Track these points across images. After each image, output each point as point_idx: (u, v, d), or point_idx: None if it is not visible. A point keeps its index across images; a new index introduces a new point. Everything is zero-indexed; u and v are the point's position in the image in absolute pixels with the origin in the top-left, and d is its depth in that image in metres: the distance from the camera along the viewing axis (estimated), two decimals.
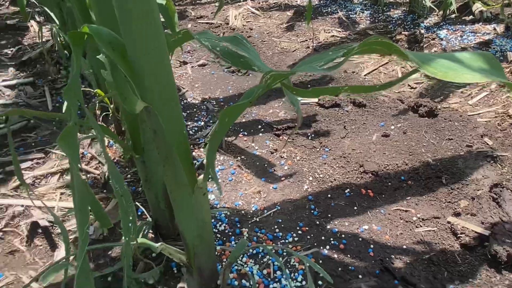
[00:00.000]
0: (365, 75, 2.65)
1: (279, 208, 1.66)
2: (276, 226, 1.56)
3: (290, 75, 0.82)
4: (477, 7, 3.19)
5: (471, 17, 3.19)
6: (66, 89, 0.79)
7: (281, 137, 2.14)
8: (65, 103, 1.96)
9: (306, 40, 3.30)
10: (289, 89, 0.90)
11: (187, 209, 1.07)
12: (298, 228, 1.55)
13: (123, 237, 1.46)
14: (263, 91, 0.88)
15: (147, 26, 0.82)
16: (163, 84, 0.91)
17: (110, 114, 1.96)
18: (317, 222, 1.58)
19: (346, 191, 1.73)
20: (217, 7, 2.87)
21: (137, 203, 1.58)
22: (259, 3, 4.17)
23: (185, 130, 0.98)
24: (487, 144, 1.88)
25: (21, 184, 0.91)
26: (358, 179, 1.79)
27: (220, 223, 1.57)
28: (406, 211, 1.61)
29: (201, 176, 1.05)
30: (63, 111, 1.93)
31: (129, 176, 1.81)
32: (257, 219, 1.60)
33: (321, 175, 1.83)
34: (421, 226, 1.53)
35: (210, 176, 1.00)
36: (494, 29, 2.95)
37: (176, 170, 1.01)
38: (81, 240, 0.78)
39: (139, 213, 1.58)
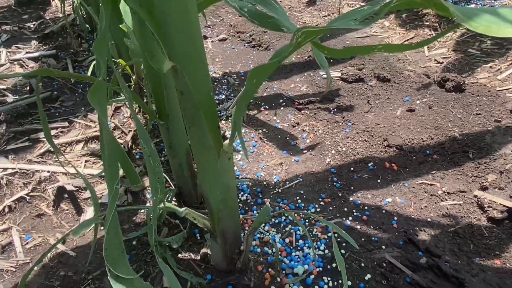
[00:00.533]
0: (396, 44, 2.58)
1: (301, 180, 1.65)
2: (298, 197, 1.55)
3: (324, 31, 0.79)
4: None
5: None
6: (95, 44, 0.78)
7: (302, 111, 2.12)
8: (89, 72, 1.97)
9: (329, 15, 3.23)
10: (319, 48, 0.88)
11: (212, 173, 1.06)
12: (320, 199, 1.54)
13: (147, 203, 1.48)
14: (294, 50, 0.86)
15: None
16: (190, 43, 0.89)
17: (133, 86, 1.96)
18: (340, 194, 1.57)
19: (369, 164, 1.71)
20: None
21: None
22: None
23: (212, 92, 0.97)
24: None
25: (50, 145, 0.91)
26: (382, 153, 1.76)
27: (242, 193, 1.57)
28: (431, 184, 1.58)
29: (227, 141, 1.04)
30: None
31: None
32: (279, 190, 1.60)
33: (343, 149, 1.81)
34: (446, 200, 1.50)
35: (232, 146, 0.99)
36: None
37: (202, 132, 1.00)
38: (111, 196, 0.78)
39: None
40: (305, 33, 0.81)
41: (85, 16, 2.86)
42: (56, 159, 1.71)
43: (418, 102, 2.06)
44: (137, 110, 2.08)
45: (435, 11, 0.74)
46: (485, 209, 1.40)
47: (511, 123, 1.79)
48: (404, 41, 2.63)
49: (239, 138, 0.98)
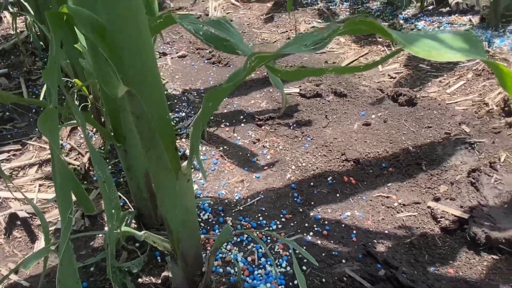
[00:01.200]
0: (345, 66, 2.67)
1: (262, 196, 1.66)
2: (259, 214, 1.56)
3: (275, 56, 0.81)
4: None
5: (447, 8, 3.24)
6: (45, 71, 0.76)
7: (263, 127, 2.14)
8: (42, 92, 1.91)
9: (287, 31, 3.30)
10: (273, 71, 0.90)
11: (171, 195, 1.05)
12: (281, 215, 1.56)
13: (106, 227, 1.44)
14: (248, 74, 0.88)
15: (127, 5, 0.80)
16: (145, 67, 0.89)
17: (89, 105, 1.92)
18: (300, 210, 1.59)
19: (328, 179, 1.74)
20: None
21: (119, 193, 1.56)
22: None
23: (169, 115, 0.97)
24: (465, 131, 1.92)
25: None
26: (340, 167, 1.81)
27: (203, 212, 1.56)
28: (387, 197, 1.63)
29: (185, 162, 1.04)
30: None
31: (109, 167, 1.78)
32: (241, 208, 1.60)
33: (303, 164, 1.84)
34: (402, 212, 1.55)
35: (193, 165, 0.99)
36: (470, 20, 3.01)
37: (159, 155, 0.99)
38: (64, 226, 0.76)
39: (121, 203, 1.55)
40: (258, 58, 0.83)
41: (38, 33, 2.78)
42: (7, 185, 1.63)
43: (373, 116, 2.13)
44: (95, 129, 2.03)
45: (381, 36, 0.78)
46: (438, 219, 1.46)
47: (460, 135, 1.89)
48: (359, 57, 2.73)
49: (197, 159, 0.99)
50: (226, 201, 1.64)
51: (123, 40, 0.84)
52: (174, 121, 2.19)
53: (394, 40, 0.75)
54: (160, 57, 3.04)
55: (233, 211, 1.59)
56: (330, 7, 3.60)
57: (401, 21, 3.02)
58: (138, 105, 0.92)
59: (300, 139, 2.03)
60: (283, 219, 1.54)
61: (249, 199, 1.64)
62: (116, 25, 0.82)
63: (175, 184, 1.04)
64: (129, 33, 0.84)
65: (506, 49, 2.57)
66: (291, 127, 2.11)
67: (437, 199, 1.56)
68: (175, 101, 2.41)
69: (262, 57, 0.82)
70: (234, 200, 1.64)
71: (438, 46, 0.75)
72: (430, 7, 3.31)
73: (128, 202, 1.49)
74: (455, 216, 1.45)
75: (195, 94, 2.49)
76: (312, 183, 1.73)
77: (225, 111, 2.30)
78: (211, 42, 1.05)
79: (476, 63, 2.41)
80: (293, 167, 1.83)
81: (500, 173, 1.62)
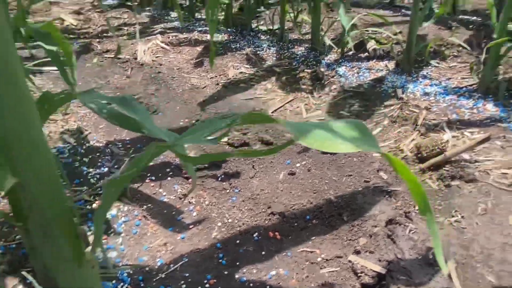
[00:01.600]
0: (272, 112, 2.73)
1: (186, 260, 1.61)
2: (183, 282, 1.50)
3: (172, 147, 0.80)
4: (371, 45, 3.47)
5: (366, 54, 3.45)
6: None
7: (190, 180, 2.10)
8: None
9: (216, 76, 3.33)
10: (181, 157, 0.88)
11: (73, 284, 0.98)
12: (205, 281, 1.51)
13: None
14: (150, 160, 0.85)
15: (12, 96, 0.75)
16: (37, 156, 0.84)
17: None
18: (226, 272, 1.56)
19: (254, 235, 1.73)
20: (119, 46, 2.80)
21: (24, 272, 1.43)
22: (169, 37, 4.14)
23: (67, 201, 0.91)
24: (383, 178, 2.01)
25: None
26: (266, 221, 1.80)
27: (122, 284, 1.48)
28: (311, 252, 1.64)
29: (89, 248, 0.98)
30: None
31: (18, 236, 1.64)
32: (163, 275, 1.53)
33: (230, 220, 1.82)
34: (325, 267, 1.57)
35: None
36: (386, 65, 3.22)
37: (58, 245, 0.93)
38: None
39: (28, 281, 1.43)
40: (158, 148, 0.81)
41: None
42: None
43: (298, 165, 2.17)
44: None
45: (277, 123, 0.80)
46: (359, 274, 1.49)
47: (378, 183, 1.97)
48: (285, 103, 2.80)
49: (100, 249, 0.93)
50: (148, 268, 1.56)
51: (10, 129, 0.78)
52: (95, 178, 2.08)
53: (288, 131, 0.77)
54: (84, 104, 2.92)
55: (154, 280, 1.51)
56: (258, 52, 3.70)
57: (323, 69, 3.16)
58: (31, 197, 0.86)
59: (228, 191, 2.01)
60: (207, 285, 1.50)
61: (172, 265, 1.58)
62: (2, 116, 0.77)
63: (78, 271, 0.97)
64: (17, 121, 0.78)
65: (419, 94, 2.76)
66: (219, 179, 2.09)
67: (357, 252, 1.59)
68: (98, 154, 2.31)
69: (161, 147, 0.81)
70: (156, 267, 1.57)
71: (331, 137, 0.77)
72: (350, 53, 3.50)
73: (34, 282, 1.37)
74: (374, 271, 1.48)
75: (120, 146, 2.41)
76: (238, 241, 1.71)
77: (151, 163, 2.23)
78: (116, 120, 1.02)
79: (391, 110, 2.56)
80: (219, 224, 1.80)
81: (415, 221, 1.70)
